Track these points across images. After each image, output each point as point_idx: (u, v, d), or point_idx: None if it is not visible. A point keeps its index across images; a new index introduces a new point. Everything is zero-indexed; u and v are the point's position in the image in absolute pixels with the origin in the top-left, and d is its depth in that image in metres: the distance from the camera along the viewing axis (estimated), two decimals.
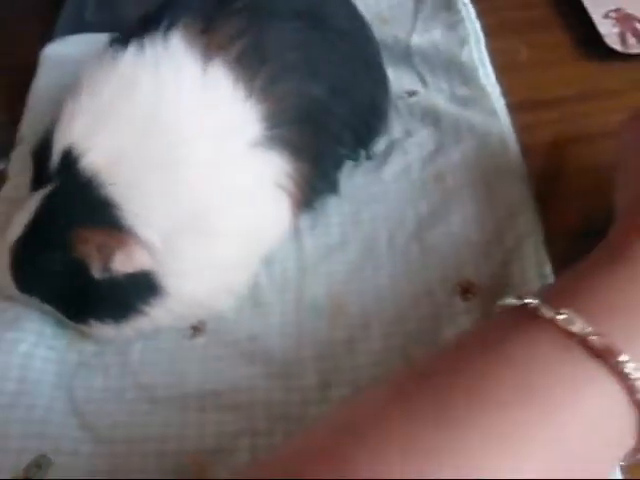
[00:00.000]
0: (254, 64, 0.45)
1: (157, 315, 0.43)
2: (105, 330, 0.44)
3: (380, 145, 0.56)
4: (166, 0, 0.49)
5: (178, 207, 0.41)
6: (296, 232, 0.51)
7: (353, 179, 0.54)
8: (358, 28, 0.54)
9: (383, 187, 0.53)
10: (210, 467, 0.41)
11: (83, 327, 0.44)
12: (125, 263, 0.40)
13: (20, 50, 0.81)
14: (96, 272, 0.41)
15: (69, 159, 0.41)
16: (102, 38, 0.72)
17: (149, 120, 0.41)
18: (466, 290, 0.45)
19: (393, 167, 0.54)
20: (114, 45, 0.46)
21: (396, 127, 0.57)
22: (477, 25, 0.62)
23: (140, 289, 0.42)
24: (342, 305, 0.46)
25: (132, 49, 0.44)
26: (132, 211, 0.40)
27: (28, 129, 0.63)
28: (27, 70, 0.76)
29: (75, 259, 0.41)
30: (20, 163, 0.60)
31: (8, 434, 0.42)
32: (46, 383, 0.45)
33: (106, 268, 0.40)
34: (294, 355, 0.44)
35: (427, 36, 0.62)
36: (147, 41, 0.44)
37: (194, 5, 0.47)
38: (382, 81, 0.55)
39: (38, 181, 0.44)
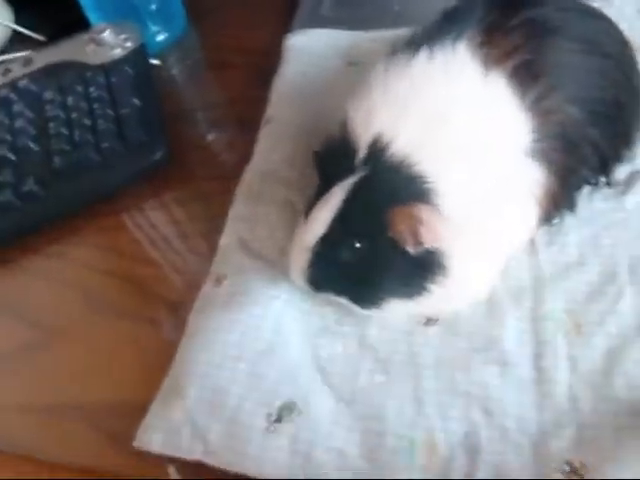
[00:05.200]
0: (528, 79, 0.48)
1: (438, 295, 0.47)
2: (395, 311, 0.48)
3: (620, 173, 0.57)
4: (449, 12, 0.53)
5: (468, 190, 0.45)
6: (532, 246, 0.53)
7: (592, 203, 0.55)
8: (627, 56, 0.55)
9: (624, 215, 0.54)
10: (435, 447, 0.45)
11: (373, 311, 0.49)
12: (431, 236, 0.44)
13: (260, 35, 0.88)
14: (410, 247, 0.45)
15: (377, 147, 0.45)
16: (339, 34, 0.81)
17: (441, 114, 0.46)
18: None
19: (636, 197, 0.54)
20: (402, 49, 0.51)
21: None
22: None
23: (429, 267, 0.46)
24: (582, 324, 0.48)
25: (424, 53, 0.49)
26: (439, 189, 0.45)
27: (275, 111, 0.70)
28: (265, 53, 0.83)
29: (387, 239, 0.45)
30: (269, 141, 0.67)
31: (266, 375, 0.49)
32: (295, 338, 0.51)
33: (417, 242, 0.44)
34: (531, 363, 0.47)
35: None
36: (438, 47, 0.49)
37: (476, 18, 0.51)
38: (634, 112, 0.55)
39: (329, 179, 0.48)
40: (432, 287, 0.47)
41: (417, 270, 0.46)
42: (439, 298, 0.47)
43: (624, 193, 0.55)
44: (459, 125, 0.46)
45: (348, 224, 0.46)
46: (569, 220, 0.54)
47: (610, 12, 0.57)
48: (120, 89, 0.76)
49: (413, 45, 0.50)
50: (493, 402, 0.45)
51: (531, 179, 0.48)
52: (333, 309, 0.52)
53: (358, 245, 0.46)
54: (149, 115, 0.75)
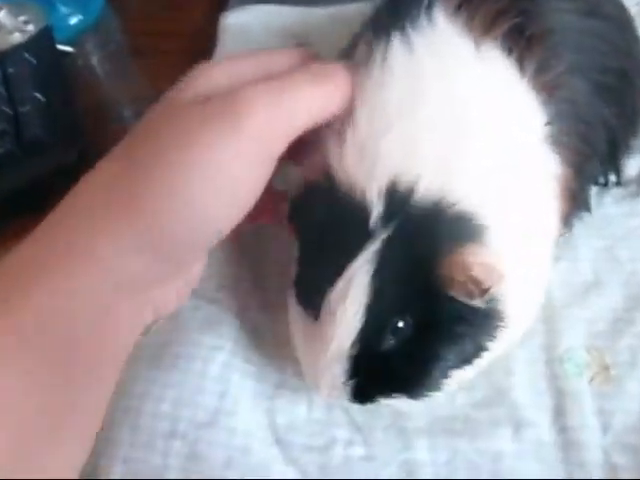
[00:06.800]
0: (523, 46, 0.37)
1: (496, 349, 0.35)
2: (454, 385, 0.36)
3: (631, 169, 0.47)
4: None
5: (511, 212, 0.34)
6: None
7: (603, 208, 0.46)
8: (625, 19, 0.45)
9: None
10: None
11: (433, 397, 0.36)
12: (495, 277, 0.32)
13: (190, 16, 0.78)
14: (477, 298, 0.32)
15: (397, 196, 0.33)
16: (281, 10, 0.69)
17: (457, 126, 0.34)
18: None
19: None
20: (367, 41, 0.38)
21: None
22: None
23: (487, 318, 0.34)
24: (610, 366, 0.38)
25: (397, 42, 0.36)
26: (486, 223, 0.33)
27: None
28: (198, 36, 0.72)
29: (444, 300, 0.33)
30: None
31: (208, 456, 0.37)
32: (245, 402, 0.39)
33: (483, 290, 0.32)
34: (552, 421, 0.37)
35: None
36: (411, 29, 0.37)
37: None
38: None
39: (322, 248, 0.35)
40: (492, 339, 0.35)
41: (475, 327, 0.34)
42: (496, 349, 0.36)
43: (638, 194, 0.46)
44: (482, 134, 0.34)
45: (389, 305, 0.33)
46: (577, 230, 0.44)
47: None
48: (19, 82, 0.63)
49: (379, 31, 0.38)
50: (507, 476, 0.35)
51: (551, 173, 0.38)
52: (291, 359, 0.41)
53: (401, 325, 0.34)
54: (56, 112, 0.62)
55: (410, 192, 0.32)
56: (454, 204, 0.32)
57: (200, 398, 0.39)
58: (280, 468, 0.37)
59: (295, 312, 0.37)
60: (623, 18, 0.45)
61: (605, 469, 0.35)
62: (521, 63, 0.37)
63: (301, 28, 0.64)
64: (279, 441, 0.38)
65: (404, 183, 0.32)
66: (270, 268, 0.46)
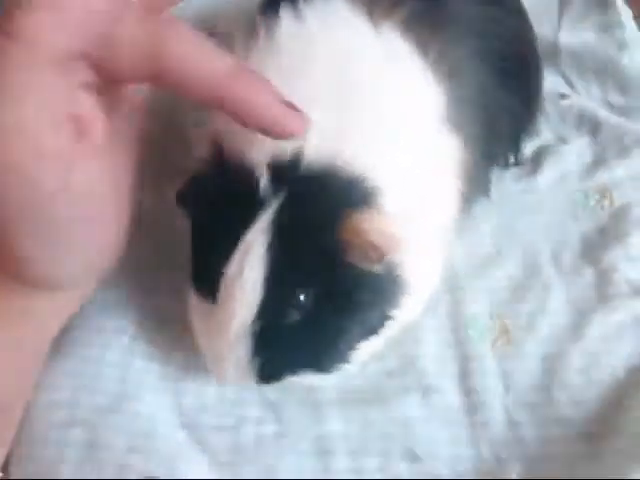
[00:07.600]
0: (425, 31, 0.38)
1: (402, 318, 0.35)
2: (362, 357, 0.35)
3: (527, 149, 0.50)
4: None
5: (405, 178, 0.34)
6: None
7: (502, 185, 0.48)
8: (522, 10, 0.48)
9: (537, 197, 0.47)
10: None
11: (343, 370, 0.35)
12: (393, 243, 0.32)
13: None
14: (373, 263, 0.32)
15: (284, 163, 0.32)
16: None
17: (345, 93, 0.34)
18: None
19: (547, 175, 0.48)
20: (259, 15, 0.38)
21: (545, 131, 0.51)
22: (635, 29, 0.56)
23: (391, 285, 0.34)
24: (509, 330, 0.40)
25: (287, 18, 0.36)
26: (379, 186, 0.33)
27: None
28: None
29: (344, 268, 0.32)
30: None
31: (110, 444, 0.35)
32: (149, 385, 0.37)
33: (380, 254, 0.32)
34: (457, 385, 0.38)
35: (577, 36, 0.56)
36: (303, 4, 0.37)
37: None
38: (540, 72, 0.48)
39: (214, 227, 0.33)
40: (396, 307, 0.35)
41: (378, 294, 0.34)
42: (401, 317, 0.36)
43: (534, 172, 0.48)
44: (373, 103, 0.34)
45: (289, 277, 0.32)
46: (478, 205, 0.45)
47: None
48: None
49: (268, 7, 0.38)
50: (419, 442, 0.36)
51: (450, 154, 0.38)
52: None
53: (303, 297, 0.33)
54: None
55: (297, 158, 0.32)
56: (344, 167, 0.32)
57: (100, 385, 0.37)
58: (187, 451, 0.36)
59: (194, 298, 0.35)
60: (520, 7, 0.48)
61: (507, 426, 0.36)
62: (423, 48, 0.37)
63: (210, 14, 0.63)
64: (186, 424, 0.37)
65: (290, 149, 0.32)
66: (177, 248, 0.44)
